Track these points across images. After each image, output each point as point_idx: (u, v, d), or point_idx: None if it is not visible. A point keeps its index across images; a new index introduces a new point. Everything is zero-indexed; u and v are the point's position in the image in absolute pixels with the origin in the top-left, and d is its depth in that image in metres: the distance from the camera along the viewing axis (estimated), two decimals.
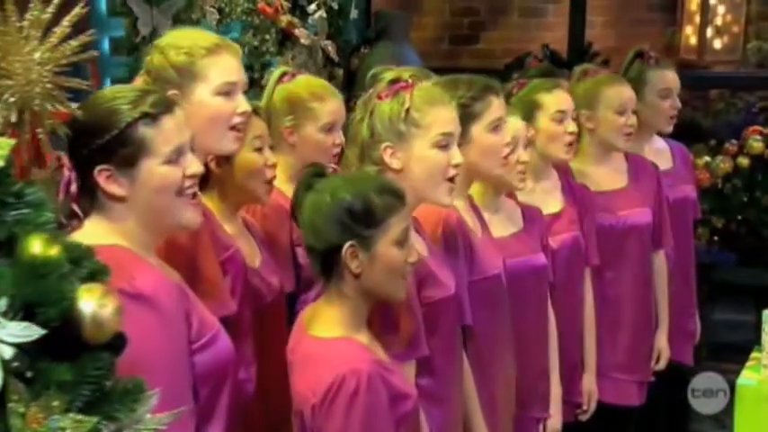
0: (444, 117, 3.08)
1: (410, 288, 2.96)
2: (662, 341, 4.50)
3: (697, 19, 7.45)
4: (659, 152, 4.70)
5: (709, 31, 7.50)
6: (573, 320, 4.16)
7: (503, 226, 3.78)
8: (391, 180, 2.93)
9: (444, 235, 3.35)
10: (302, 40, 5.64)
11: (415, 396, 2.80)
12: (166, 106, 2.56)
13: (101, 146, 2.41)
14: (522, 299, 3.75)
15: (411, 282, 2.96)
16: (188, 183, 2.58)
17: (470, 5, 7.30)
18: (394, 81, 3.14)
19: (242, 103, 3.10)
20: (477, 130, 3.39)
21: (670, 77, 4.59)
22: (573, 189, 4.19)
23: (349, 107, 3.88)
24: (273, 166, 3.32)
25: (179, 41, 3.12)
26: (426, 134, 3.02)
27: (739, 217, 5.30)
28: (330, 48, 5.75)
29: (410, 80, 3.15)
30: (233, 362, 2.71)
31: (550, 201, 4.12)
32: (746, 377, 4.14)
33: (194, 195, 2.63)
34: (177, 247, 2.87)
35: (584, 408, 4.18)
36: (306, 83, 3.79)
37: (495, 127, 3.42)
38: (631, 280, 4.36)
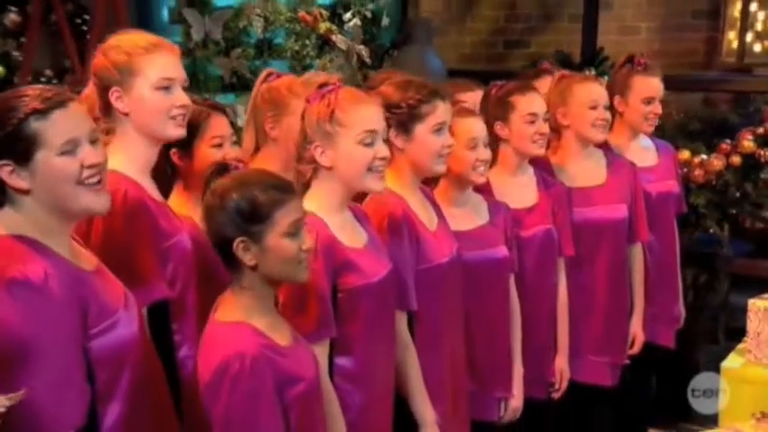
0: (367, 115, 3.14)
1: (319, 274, 3.03)
2: (636, 326, 4.52)
3: (738, 24, 7.36)
4: (645, 150, 4.72)
5: (750, 36, 7.39)
6: (545, 306, 4.21)
7: (468, 219, 3.85)
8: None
9: (390, 226, 3.41)
10: (339, 45, 5.77)
11: (311, 379, 2.82)
12: (59, 102, 2.57)
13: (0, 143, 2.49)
14: (483, 287, 3.82)
15: (322, 268, 3.03)
16: (87, 173, 2.58)
17: (523, 12, 7.30)
18: (322, 85, 3.21)
19: (180, 97, 3.17)
20: (421, 130, 3.45)
21: (654, 85, 4.59)
22: (548, 184, 4.23)
23: None
24: (234, 159, 3.26)
25: (120, 43, 3.20)
26: (351, 132, 3.09)
27: (733, 211, 5.32)
28: (364, 52, 5.86)
29: (337, 84, 3.22)
30: (134, 348, 2.72)
31: (526, 195, 4.16)
32: (732, 360, 4.20)
33: (99, 182, 2.63)
34: (112, 235, 2.96)
35: (557, 386, 4.22)
36: (287, 81, 3.81)
37: (438, 129, 3.47)
38: (606, 270, 4.38)
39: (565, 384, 4.23)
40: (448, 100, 3.61)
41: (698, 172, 5.24)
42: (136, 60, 3.13)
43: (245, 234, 2.70)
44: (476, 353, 3.83)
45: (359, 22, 5.94)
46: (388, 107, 3.46)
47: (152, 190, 3.16)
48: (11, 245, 2.49)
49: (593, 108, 4.27)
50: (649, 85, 4.56)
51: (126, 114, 3.14)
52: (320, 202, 3.15)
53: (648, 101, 4.54)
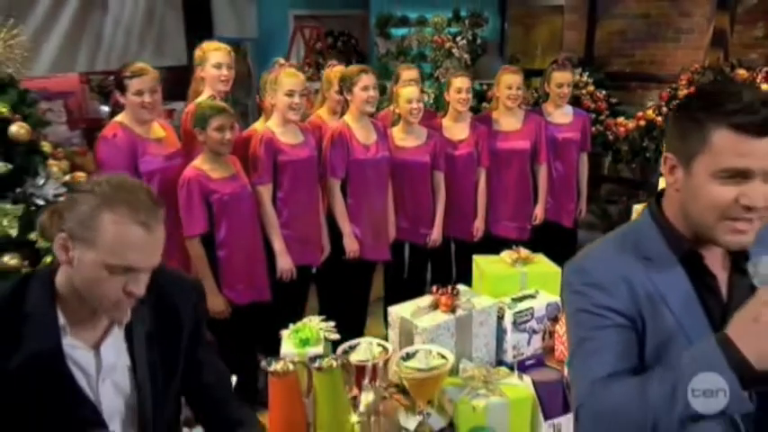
0: (290, 82, 4.15)
1: (261, 152, 4.06)
2: (539, 210, 5.47)
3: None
4: (564, 114, 5.58)
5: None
6: (469, 193, 5.25)
7: (411, 141, 4.94)
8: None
9: (332, 137, 4.56)
10: (456, 55, 7.36)
11: (230, 193, 3.77)
12: (138, 72, 3.67)
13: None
14: (412, 177, 4.94)
15: (264, 150, 4.04)
16: (148, 106, 3.77)
17: (633, 36, 7.72)
18: (281, 65, 4.37)
19: (225, 72, 4.27)
20: (356, 89, 4.53)
21: (564, 76, 5.43)
22: (476, 128, 5.23)
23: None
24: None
25: (204, 46, 4.34)
26: (281, 89, 4.18)
27: (648, 154, 6.03)
28: (468, 59, 7.39)
29: (285, 65, 4.33)
30: (164, 168, 3.81)
31: (462, 132, 5.24)
32: None
33: (153, 110, 3.75)
34: (189, 133, 4.08)
35: (476, 235, 5.27)
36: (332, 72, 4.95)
37: (365, 89, 4.51)
38: (514, 177, 5.39)
39: (480, 234, 5.28)
40: (371, 73, 4.58)
41: (621, 129, 6.24)
42: (205, 54, 4.33)
43: (199, 127, 3.75)
44: (406, 209, 5.01)
45: (465, 42, 7.39)
46: (343, 80, 4.61)
47: None
48: (114, 125, 3.82)
49: (509, 89, 5.28)
50: (560, 76, 5.46)
51: (204, 79, 4.35)
52: (273, 121, 4.27)
53: (559, 86, 5.47)
